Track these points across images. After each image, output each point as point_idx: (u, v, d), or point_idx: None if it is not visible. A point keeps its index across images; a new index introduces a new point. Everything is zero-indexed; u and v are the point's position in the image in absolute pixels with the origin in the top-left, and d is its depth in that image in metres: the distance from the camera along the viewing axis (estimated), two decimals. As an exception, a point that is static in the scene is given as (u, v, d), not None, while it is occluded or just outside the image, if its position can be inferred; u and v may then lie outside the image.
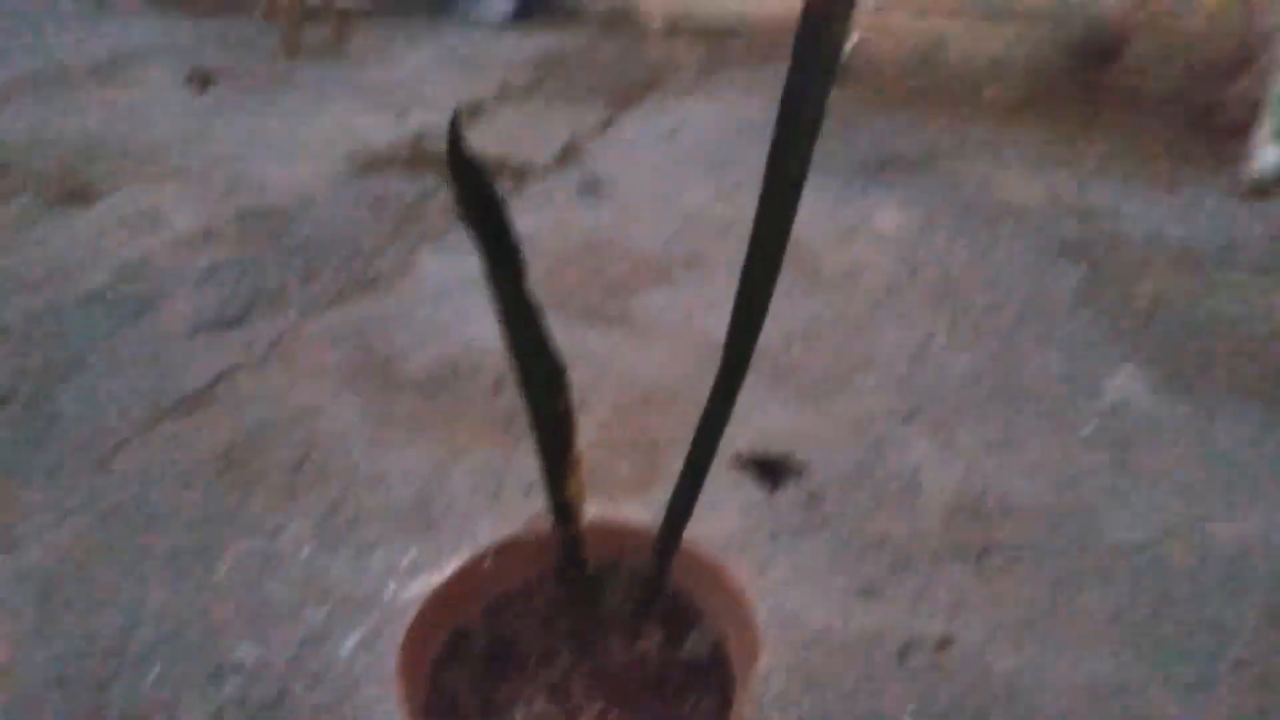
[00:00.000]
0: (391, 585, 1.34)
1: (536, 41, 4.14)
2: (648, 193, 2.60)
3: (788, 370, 1.79)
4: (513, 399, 1.73)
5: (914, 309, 1.97)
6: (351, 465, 1.57)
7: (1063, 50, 3.58)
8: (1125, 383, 1.73)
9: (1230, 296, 2.01)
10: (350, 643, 1.25)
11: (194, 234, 2.37)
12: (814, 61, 0.65)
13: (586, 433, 1.67)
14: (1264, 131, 2.51)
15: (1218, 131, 2.98)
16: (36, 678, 1.22)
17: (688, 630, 0.95)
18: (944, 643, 1.22)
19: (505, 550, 0.99)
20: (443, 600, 0.94)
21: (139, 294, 2.10)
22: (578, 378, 1.81)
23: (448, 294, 2.09)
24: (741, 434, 1.61)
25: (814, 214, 2.37)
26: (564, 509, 0.85)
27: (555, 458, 0.82)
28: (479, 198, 0.69)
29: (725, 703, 0.88)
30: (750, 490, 1.49)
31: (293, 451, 1.61)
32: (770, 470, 1.52)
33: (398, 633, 1.24)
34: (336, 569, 1.37)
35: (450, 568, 0.96)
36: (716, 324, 1.95)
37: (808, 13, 0.63)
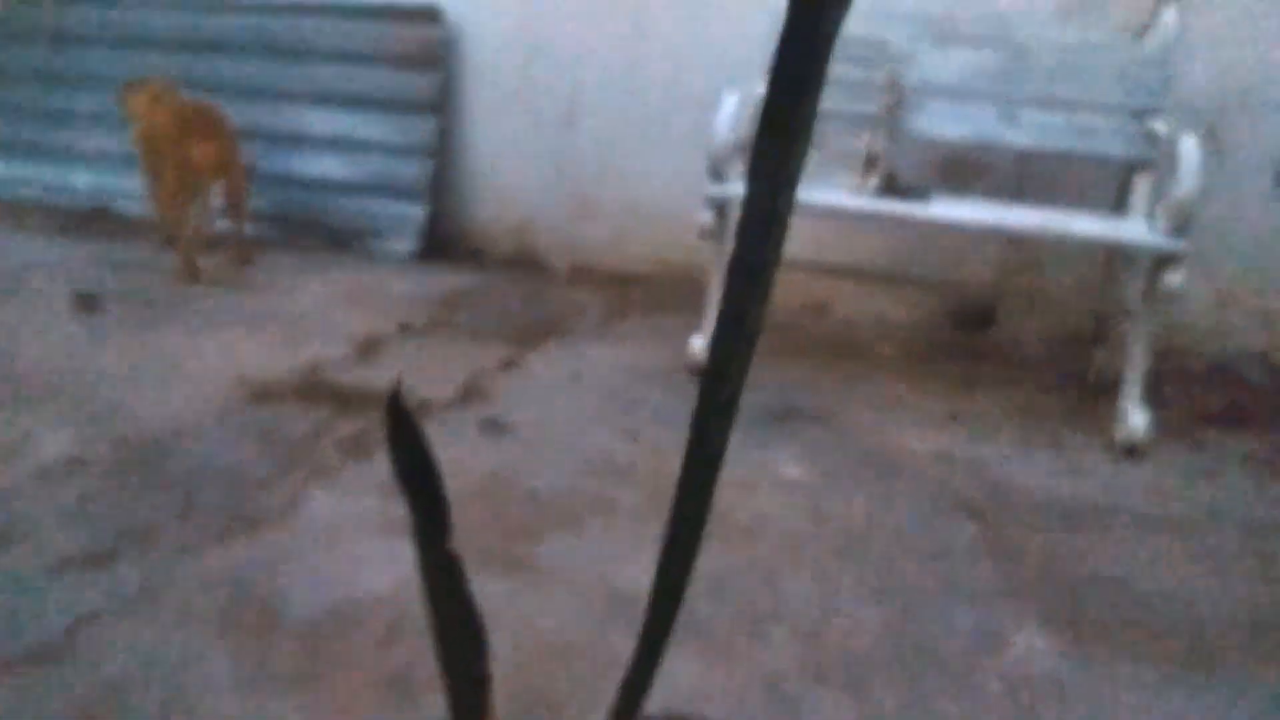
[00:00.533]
0: None
1: (439, 280, 4.32)
2: (550, 433, 2.66)
3: (696, 623, 1.79)
4: (405, 654, 1.67)
5: (821, 560, 2.04)
6: (222, 726, 1.47)
7: (943, 314, 3.95)
8: (1027, 639, 1.80)
9: (1116, 552, 2.14)
10: None
11: (64, 463, 2.29)
12: (737, 333, 0.73)
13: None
14: (1130, 395, 2.78)
15: (1089, 391, 3.29)
16: None
17: None
18: None
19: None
20: None
21: (2, 522, 1.99)
22: (477, 629, 1.78)
23: (338, 536, 2.05)
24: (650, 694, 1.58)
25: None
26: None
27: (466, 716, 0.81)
28: (413, 455, 0.72)
29: None
30: (659, 755, 1.45)
31: (157, 709, 1.49)
32: (679, 733, 1.49)
33: None
34: None
35: None
36: (622, 572, 1.98)
37: (730, 296, 0.72)
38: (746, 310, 0.72)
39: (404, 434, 0.74)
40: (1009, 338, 3.85)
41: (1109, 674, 1.71)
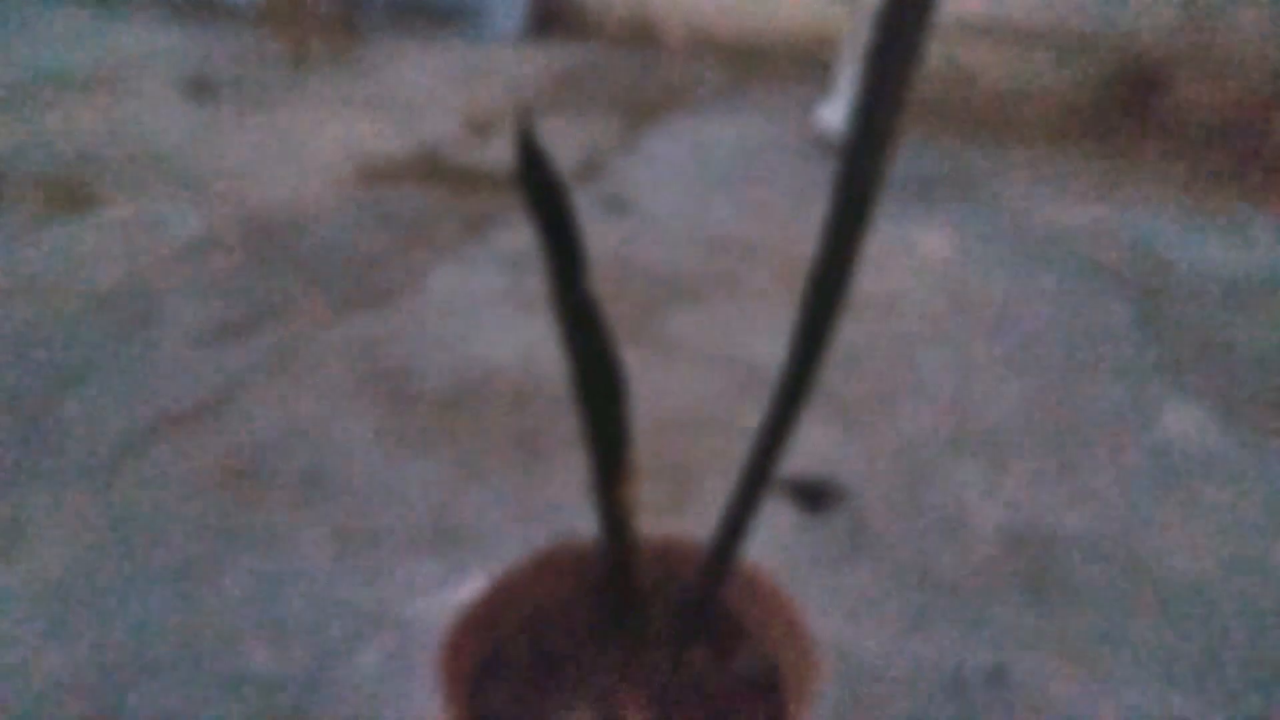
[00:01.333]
0: (414, 602, 1.36)
1: (550, 57, 4.23)
2: (672, 210, 2.65)
3: (828, 394, 1.82)
4: (532, 419, 1.76)
5: (959, 335, 2.02)
6: (365, 480, 1.60)
7: (1104, 79, 3.67)
8: (1181, 416, 1.76)
9: (1289, 330, 2.05)
10: (372, 658, 1.27)
11: (197, 244, 2.42)
12: (892, 61, 0.69)
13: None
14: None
15: (1267, 162, 3.05)
16: (50, 683, 1.24)
17: (737, 648, 0.97)
18: (997, 673, 1.24)
19: (544, 562, 1.02)
20: (480, 612, 0.96)
21: (142, 303, 2.14)
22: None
23: (460, 311, 2.13)
24: (782, 457, 1.64)
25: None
26: (615, 520, 0.88)
27: (609, 467, 0.85)
28: (544, 189, 0.73)
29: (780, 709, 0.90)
30: (790, 515, 1.52)
31: (303, 464, 1.64)
32: (811, 494, 1.55)
33: (423, 649, 1.28)
34: (354, 584, 1.39)
35: (486, 579, 0.99)
36: (749, 347, 2.01)
37: (876, 56, 0.67)
38: (893, 72, 0.68)
39: (536, 170, 0.75)
40: (1179, 104, 3.57)
41: (1263, 451, 1.67)
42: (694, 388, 1.86)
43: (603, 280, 2.25)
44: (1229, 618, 1.33)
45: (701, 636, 0.96)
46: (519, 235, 2.54)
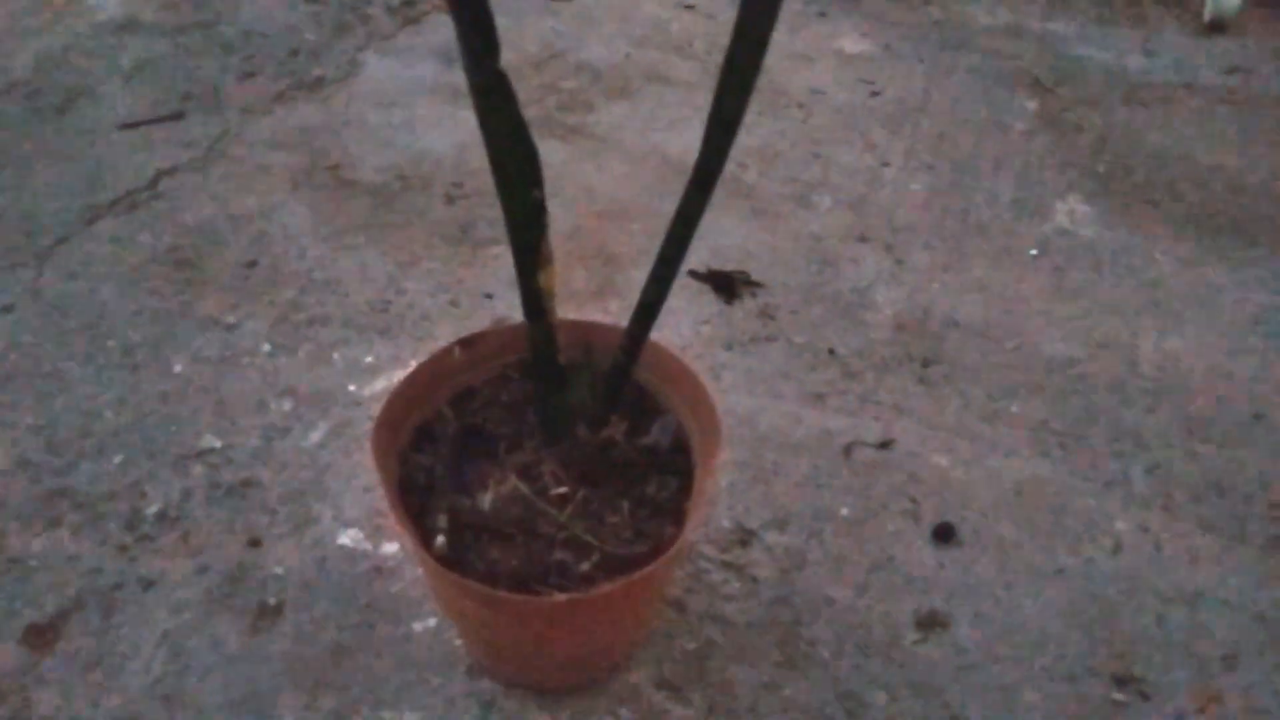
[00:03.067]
0: (353, 383, 1.36)
1: None
2: (604, 3, 2.50)
3: (745, 189, 1.80)
4: (467, 210, 1.71)
5: (872, 133, 1.98)
6: (305, 268, 1.56)
7: None
8: (1071, 209, 1.79)
9: (1182, 130, 2.05)
10: (316, 435, 1.28)
11: (119, 22, 2.23)
12: None
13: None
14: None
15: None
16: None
17: (652, 421, 1.00)
18: (885, 443, 1.30)
19: (472, 343, 1.02)
20: (412, 389, 0.97)
21: (64, 86, 1.99)
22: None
23: (397, 102, 2.02)
24: (697, 250, 1.63)
25: (774, 36, 2.32)
26: (536, 301, 0.87)
27: (528, 248, 0.83)
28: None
29: (686, 485, 0.94)
30: (706, 302, 1.53)
31: (244, 252, 1.59)
32: (725, 283, 1.56)
33: (363, 425, 1.29)
34: (297, 367, 1.38)
35: (417, 360, 0.99)
36: (676, 140, 1.95)
37: None
38: None
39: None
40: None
41: (1148, 243, 1.71)
42: (620, 179, 1.82)
43: (532, 74, 2.14)
44: (1097, 393, 1.40)
45: (617, 411, 0.98)
46: (450, 24, 2.38)
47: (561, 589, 0.84)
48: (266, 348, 1.41)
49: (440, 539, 0.85)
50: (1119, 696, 1.03)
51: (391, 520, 0.82)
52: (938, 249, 1.67)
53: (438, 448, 0.95)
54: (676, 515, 0.91)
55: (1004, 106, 2.11)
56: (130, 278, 1.52)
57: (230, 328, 1.44)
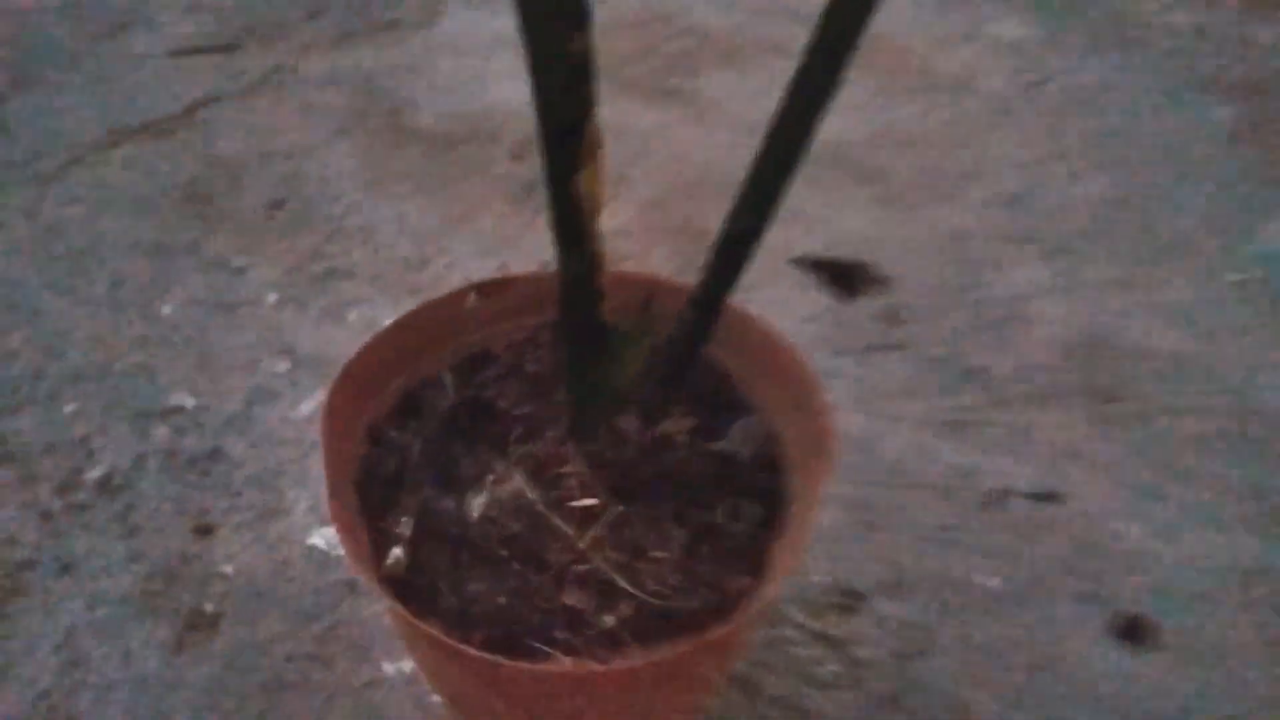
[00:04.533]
0: (366, 348, 1.11)
1: None
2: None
3: (874, 173, 1.49)
4: (536, 169, 1.45)
5: (1033, 127, 1.65)
6: (338, 214, 1.32)
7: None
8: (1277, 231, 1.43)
9: None
10: (307, 405, 1.03)
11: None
12: None
13: (623, 215, 1.41)
14: None
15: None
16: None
17: (730, 420, 0.71)
18: (1048, 495, 0.98)
19: (496, 290, 0.74)
20: (401, 341, 0.69)
21: (122, 9, 1.82)
22: (618, 153, 1.53)
23: (475, 50, 1.79)
24: (808, 237, 1.33)
25: (917, 15, 2.01)
26: (572, 217, 0.58)
27: (563, 129, 0.55)
28: None
29: (772, 517, 0.64)
30: (814, 297, 1.23)
31: (271, 191, 1.36)
32: (842, 276, 1.25)
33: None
34: (303, 323, 1.14)
35: (417, 301, 0.72)
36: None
37: None
38: None
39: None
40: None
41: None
42: (718, 148, 1.54)
43: (631, 33, 1.88)
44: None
45: (682, 400, 0.69)
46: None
47: (569, 650, 0.55)
48: (273, 298, 1.17)
49: (397, 552, 0.57)
50: None
51: (331, 517, 0.55)
52: (1117, 263, 1.33)
53: (424, 425, 0.68)
54: (755, 559, 0.61)
55: (1192, 111, 1.75)
56: (138, 207, 1.31)
57: (237, 271, 1.21)
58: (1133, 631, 0.82)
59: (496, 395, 0.70)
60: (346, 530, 0.54)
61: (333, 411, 0.61)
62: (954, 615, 0.86)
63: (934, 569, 0.90)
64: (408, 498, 0.61)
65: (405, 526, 0.58)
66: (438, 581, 0.58)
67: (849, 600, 0.87)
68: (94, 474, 0.95)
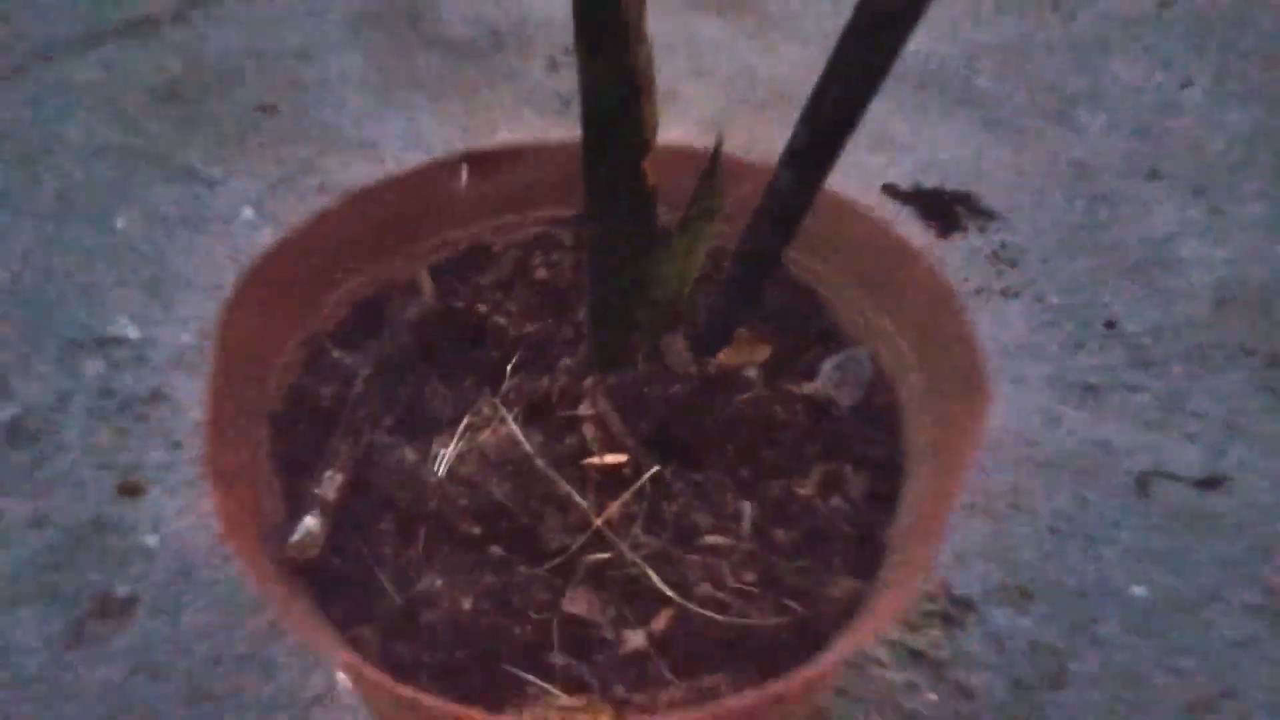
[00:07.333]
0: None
1: None
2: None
3: (975, 96, 1.27)
4: (570, 80, 1.25)
5: (1165, 45, 1.41)
6: (336, 123, 1.14)
7: None
8: None
9: None
10: (273, 338, 0.84)
11: None
12: None
13: (673, 135, 1.21)
14: None
15: None
16: None
17: (825, 353, 0.50)
18: (1212, 480, 0.76)
19: (496, 164, 0.54)
20: (361, 226, 0.49)
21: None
22: (672, 68, 1.32)
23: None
24: (902, 163, 1.12)
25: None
26: (611, 29, 0.38)
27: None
28: None
29: (888, 491, 0.44)
30: (910, 233, 1.02)
31: (260, 95, 1.17)
32: (941, 208, 1.04)
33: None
34: (282, 244, 0.95)
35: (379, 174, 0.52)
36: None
37: None
38: None
39: None
40: None
41: None
42: (792, 66, 1.32)
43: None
44: None
45: (753, 319, 0.49)
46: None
47: (572, 684, 0.35)
48: (249, 214, 0.98)
49: (309, 522, 0.38)
50: None
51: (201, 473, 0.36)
52: (1259, 195, 1.10)
53: (385, 344, 0.48)
54: (863, 551, 0.41)
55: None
56: (106, 110, 1.13)
57: (210, 183, 1.02)
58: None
59: (491, 307, 0.50)
60: (223, 484, 0.35)
61: (236, 313, 0.41)
62: (1091, 634, 0.65)
63: (1064, 572, 0.69)
64: (344, 444, 0.42)
65: (329, 485, 0.39)
66: (375, 570, 0.38)
67: (956, 610, 0.67)
68: (6, 413, 0.77)
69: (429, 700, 0.32)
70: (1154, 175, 1.14)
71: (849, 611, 0.38)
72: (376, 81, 1.22)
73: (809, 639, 0.38)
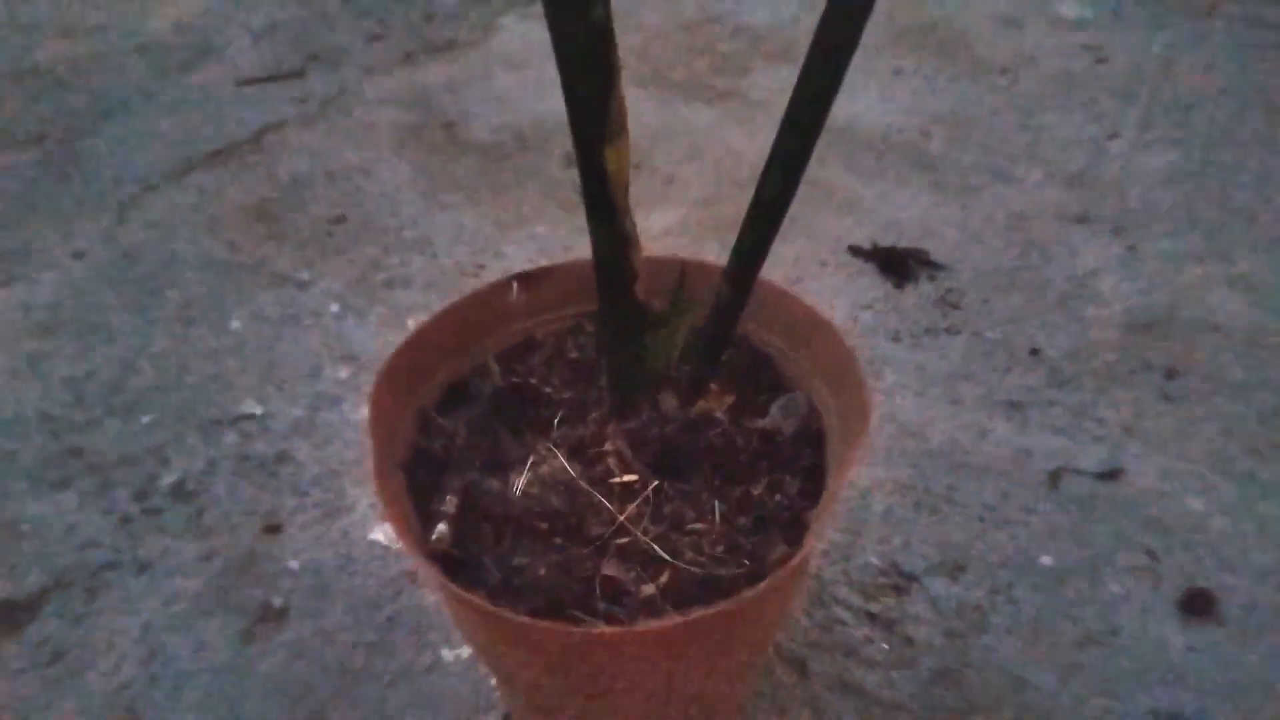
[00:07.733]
0: (424, 353, 1.15)
1: None
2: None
3: (927, 160, 1.49)
4: (592, 172, 1.49)
5: (1096, 102, 1.63)
6: (395, 226, 1.38)
7: None
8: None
9: None
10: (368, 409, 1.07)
11: (257, -11, 2.17)
12: None
13: (673, 214, 1.44)
14: None
15: None
16: (22, 412, 1.09)
17: (772, 398, 0.72)
18: (1110, 473, 0.96)
19: (537, 280, 0.77)
20: (446, 332, 0.73)
21: (193, 44, 1.92)
22: (669, 153, 1.56)
23: (527, 62, 1.84)
24: (861, 226, 1.34)
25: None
26: (600, 191, 0.61)
27: (587, 102, 0.57)
28: None
29: (812, 491, 0.65)
30: (869, 284, 1.24)
31: (332, 208, 1.42)
32: (896, 263, 1.25)
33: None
34: (364, 331, 1.19)
35: (460, 294, 0.75)
36: (843, 109, 1.66)
37: None
38: None
39: None
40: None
41: None
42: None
43: (684, 35, 1.91)
44: None
45: (719, 376, 0.71)
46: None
47: (609, 619, 0.57)
48: (335, 308, 1.23)
49: (442, 527, 0.60)
50: None
51: (380, 501, 0.58)
52: (1186, 236, 1.31)
53: (470, 411, 0.71)
54: (792, 530, 0.63)
55: (1272, 80, 1.70)
56: (208, 229, 1.38)
57: (301, 285, 1.27)
58: (1194, 605, 0.81)
59: (540, 381, 0.73)
60: (392, 506, 0.58)
61: (379, 399, 0.64)
62: (1008, 593, 0.86)
63: (989, 549, 0.90)
64: (454, 479, 0.65)
65: (450, 505, 0.61)
66: (482, 556, 0.61)
67: (901, 581, 0.88)
68: (168, 480, 1.01)
69: (525, 621, 0.53)
70: (1082, 219, 1.35)
71: (782, 564, 0.60)
72: (424, 187, 1.47)
73: (755, 583, 0.59)
